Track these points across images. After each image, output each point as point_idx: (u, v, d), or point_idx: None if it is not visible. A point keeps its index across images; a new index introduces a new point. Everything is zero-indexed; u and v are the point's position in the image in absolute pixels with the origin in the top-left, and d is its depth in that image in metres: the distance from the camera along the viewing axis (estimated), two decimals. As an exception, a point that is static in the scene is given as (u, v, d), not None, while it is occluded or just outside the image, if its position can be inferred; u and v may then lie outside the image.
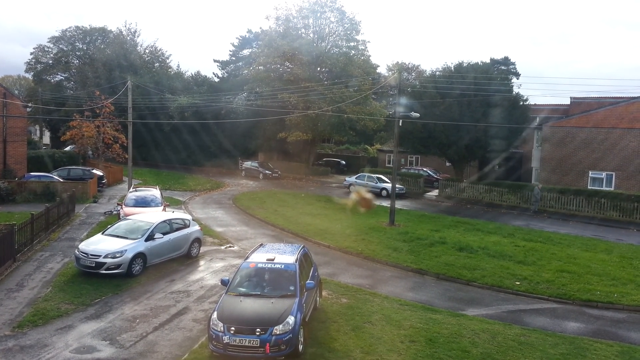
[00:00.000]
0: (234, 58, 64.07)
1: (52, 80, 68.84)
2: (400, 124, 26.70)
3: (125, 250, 15.55)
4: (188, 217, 20.01)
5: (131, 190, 25.87)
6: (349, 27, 47.37)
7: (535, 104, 43.50)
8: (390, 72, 62.58)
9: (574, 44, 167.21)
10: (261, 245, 13.75)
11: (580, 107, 40.07)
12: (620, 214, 29.41)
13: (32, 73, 70.55)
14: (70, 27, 68.42)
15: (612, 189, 32.08)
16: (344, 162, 57.98)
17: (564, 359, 11.14)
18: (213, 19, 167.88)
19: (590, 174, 33.45)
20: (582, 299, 15.37)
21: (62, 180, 31.08)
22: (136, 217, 18.22)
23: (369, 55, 49.44)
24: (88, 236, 19.48)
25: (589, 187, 32.53)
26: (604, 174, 33.12)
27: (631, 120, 32.08)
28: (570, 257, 19.73)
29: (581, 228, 26.99)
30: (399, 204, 29.70)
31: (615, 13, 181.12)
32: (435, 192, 39.22)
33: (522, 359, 11.04)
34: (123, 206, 22.66)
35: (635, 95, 32.98)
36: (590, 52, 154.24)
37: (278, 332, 10.02)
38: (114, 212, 25.22)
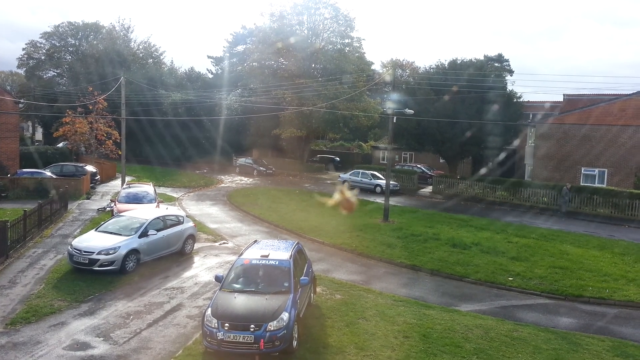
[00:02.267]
0: (227, 54, 63.86)
1: (45, 76, 68.32)
2: (395, 121, 26.74)
3: (119, 246, 15.49)
4: (182, 213, 19.96)
5: (124, 186, 25.72)
6: (343, 24, 47.29)
7: (528, 101, 43.72)
8: (384, 69, 62.61)
9: (564, 41, 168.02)
10: (255, 241, 13.74)
11: (574, 104, 40.29)
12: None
13: (24, 69, 69.99)
14: (62, 23, 68.02)
15: (604, 185, 32.28)
16: (338, 158, 58.01)
17: (556, 354, 11.23)
18: (207, 15, 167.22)
19: (583, 170, 33.66)
20: (574, 294, 15.49)
21: (54, 177, 30.86)
22: (130, 214, 18.09)
23: (364, 52, 49.54)
24: (81, 233, 19.39)
25: (587, 184, 32.70)
26: (596, 171, 33.34)
27: (624, 117, 32.27)
28: (563, 253, 19.86)
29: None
30: (393, 201, 29.77)
31: (602, 10, 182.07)
32: (429, 189, 39.33)
33: (515, 354, 11.12)
34: (116, 202, 22.55)
35: (628, 92, 33.22)
36: (580, 49, 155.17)
37: (272, 328, 10.03)
38: (107, 209, 25.09)
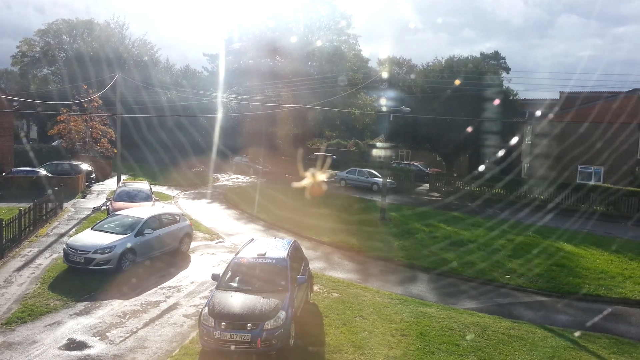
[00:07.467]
0: (223, 52, 63.59)
1: (39, 74, 67.90)
2: (391, 119, 26.74)
3: (115, 245, 15.39)
4: (178, 212, 19.89)
5: (120, 185, 25.61)
6: (339, 21, 47.22)
7: (525, 99, 43.80)
8: (381, 66, 62.54)
9: (554, 39, 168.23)
10: (252, 240, 13.67)
11: (570, 102, 40.34)
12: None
13: (18, 67, 69.54)
14: (57, 20, 67.55)
15: (600, 182, 32.38)
16: (334, 156, 57.92)
17: (553, 352, 11.24)
18: (203, 12, 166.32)
19: (579, 168, 33.74)
20: (571, 292, 15.53)
21: (49, 175, 30.68)
22: (125, 212, 17.95)
23: (360, 50, 49.43)
24: (77, 232, 19.27)
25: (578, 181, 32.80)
26: (592, 168, 33.43)
27: (621, 115, 32.29)
28: (560, 251, 19.91)
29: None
30: (389, 199, 29.75)
31: (590, 6, 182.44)
32: (425, 187, 39.35)
33: (512, 352, 11.12)
34: (112, 201, 22.44)
35: (623, 89, 33.34)
36: (572, 47, 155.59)
37: (269, 327, 9.99)
38: (103, 207, 24.95)
